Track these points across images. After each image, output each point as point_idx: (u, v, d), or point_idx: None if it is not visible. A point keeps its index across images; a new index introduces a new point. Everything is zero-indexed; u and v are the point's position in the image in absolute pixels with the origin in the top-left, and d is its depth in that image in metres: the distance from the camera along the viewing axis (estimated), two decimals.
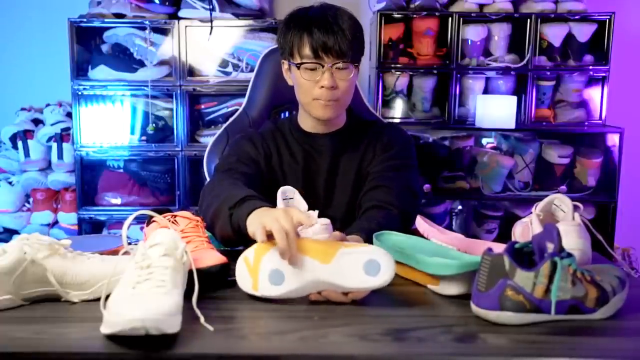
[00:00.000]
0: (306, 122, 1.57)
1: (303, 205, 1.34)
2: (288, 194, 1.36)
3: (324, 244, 1.06)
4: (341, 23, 1.43)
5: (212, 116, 2.72)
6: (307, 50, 1.43)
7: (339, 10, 1.46)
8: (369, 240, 1.24)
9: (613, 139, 2.61)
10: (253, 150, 1.54)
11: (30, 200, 2.76)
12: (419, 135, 2.63)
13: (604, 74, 2.64)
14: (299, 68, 1.44)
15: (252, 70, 2.16)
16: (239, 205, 1.23)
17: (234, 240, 1.28)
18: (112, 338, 0.88)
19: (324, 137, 1.56)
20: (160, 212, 1.23)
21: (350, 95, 1.51)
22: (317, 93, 1.45)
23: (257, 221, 1.10)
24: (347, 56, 1.42)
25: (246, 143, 1.55)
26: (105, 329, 0.88)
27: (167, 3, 2.58)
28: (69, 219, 2.70)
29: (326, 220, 1.20)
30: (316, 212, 1.23)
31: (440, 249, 1.23)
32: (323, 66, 1.42)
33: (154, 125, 2.64)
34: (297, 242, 1.04)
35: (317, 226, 1.18)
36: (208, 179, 1.72)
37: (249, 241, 1.14)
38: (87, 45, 2.67)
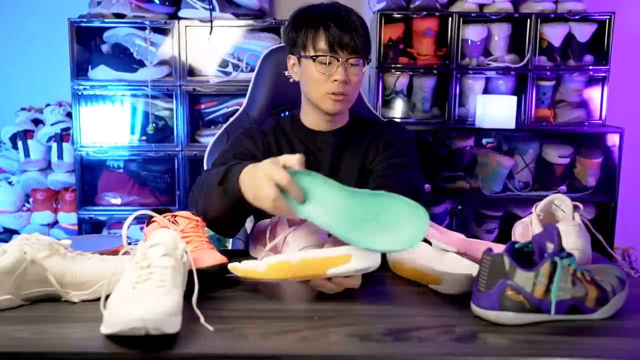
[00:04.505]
0: (309, 119, 1.57)
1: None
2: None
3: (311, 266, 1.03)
4: (354, 20, 1.47)
5: (212, 116, 2.72)
6: (323, 44, 1.45)
7: (347, 8, 1.50)
8: None
9: (613, 139, 2.61)
10: (252, 146, 1.54)
11: (30, 200, 2.76)
12: (419, 135, 2.63)
13: (604, 74, 2.64)
14: (314, 61, 1.46)
15: (252, 70, 2.16)
16: (225, 177, 1.24)
17: (236, 218, 1.31)
18: (112, 338, 0.88)
19: (327, 134, 1.56)
20: (160, 212, 1.23)
21: (357, 92, 1.53)
22: (329, 87, 1.46)
23: (252, 185, 1.14)
24: (361, 52, 1.46)
25: (245, 139, 1.56)
26: (105, 329, 0.87)
27: (167, 3, 2.58)
28: (69, 219, 2.70)
29: None
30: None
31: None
32: (338, 60, 1.44)
33: (154, 125, 2.64)
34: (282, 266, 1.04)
35: (310, 225, 1.18)
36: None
37: (255, 211, 1.21)
38: (87, 45, 2.67)
